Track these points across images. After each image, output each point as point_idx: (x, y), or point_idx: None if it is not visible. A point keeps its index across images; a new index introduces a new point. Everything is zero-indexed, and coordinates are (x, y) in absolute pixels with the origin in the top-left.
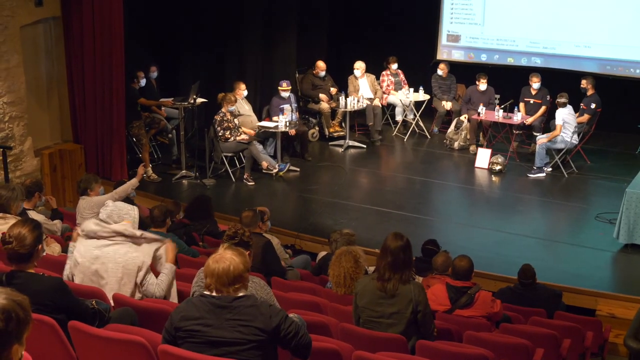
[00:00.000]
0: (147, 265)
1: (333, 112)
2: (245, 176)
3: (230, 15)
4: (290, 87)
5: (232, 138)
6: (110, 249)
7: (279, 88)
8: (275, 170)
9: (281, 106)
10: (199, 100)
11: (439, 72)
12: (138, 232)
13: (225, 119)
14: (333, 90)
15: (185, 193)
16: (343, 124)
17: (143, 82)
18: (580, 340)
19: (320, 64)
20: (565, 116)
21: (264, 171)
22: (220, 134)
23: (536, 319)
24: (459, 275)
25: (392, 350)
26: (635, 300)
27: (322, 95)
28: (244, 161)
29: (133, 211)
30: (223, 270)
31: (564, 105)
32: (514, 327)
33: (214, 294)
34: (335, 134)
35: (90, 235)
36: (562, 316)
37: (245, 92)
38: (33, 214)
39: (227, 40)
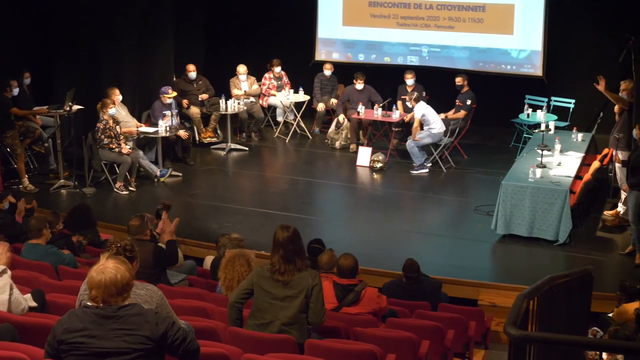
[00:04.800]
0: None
1: (208, 117)
2: (117, 185)
3: (104, 18)
4: (175, 93)
5: (116, 148)
6: None
7: (165, 95)
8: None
9: (164, 112)
10: (75, 107)
11: (326, 72)
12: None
13: (107, 126)
14: (204, 95)
15: (64, 203)
16: (218, 131)
17: (16, 90)
18: (464, 331)
19: (189, 67)
20: (424, 109)
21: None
22: (105, 142)
23: (421, 312)
24: (344, 274)
25: (281, 352)
26: (514, 288)
27: (184, 101)
28: (118, 169)
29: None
30: (110, 280)
31: (419, 99)
32: (400, 321)
33: (99, 304)
34: (205, 140)
35: None
36: (446, 308)
37: (120, 97)
38: None
39: (102, 44)
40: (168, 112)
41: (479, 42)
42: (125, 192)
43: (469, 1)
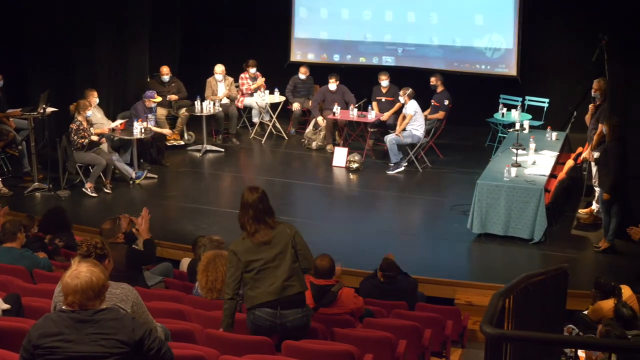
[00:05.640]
0: None
1: (175, 119)
2: (87, 186)
3: (78, 20)
4: (160, 99)
5: (85, 140)
6: None
7: (151, 100)
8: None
9: (146, 114)
10: (49, 109)
11: (300, 75)
12: None
13: (81, 127)
14: (173, 97)
15: (39, 206)
16: (185, 134)
17: None
18: (441, 330)
19: (163, 69)
20: (417, 108)
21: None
22: (77, 143)
23: (398, 312)
24: (321, 274)
25: (258, 353)
26: (490, 287)
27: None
28: (91, 170)
29: None
30: (87, 284)
31: (413, 95)
32: (377, 321)
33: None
34: (169, 143)
35: None
36: (423, 307)
37: (97, 100)
38: None
39: (76, 46)
40: (149, 116)
41: (453, 41)
42: (94, 195)
43: (445, 0)
